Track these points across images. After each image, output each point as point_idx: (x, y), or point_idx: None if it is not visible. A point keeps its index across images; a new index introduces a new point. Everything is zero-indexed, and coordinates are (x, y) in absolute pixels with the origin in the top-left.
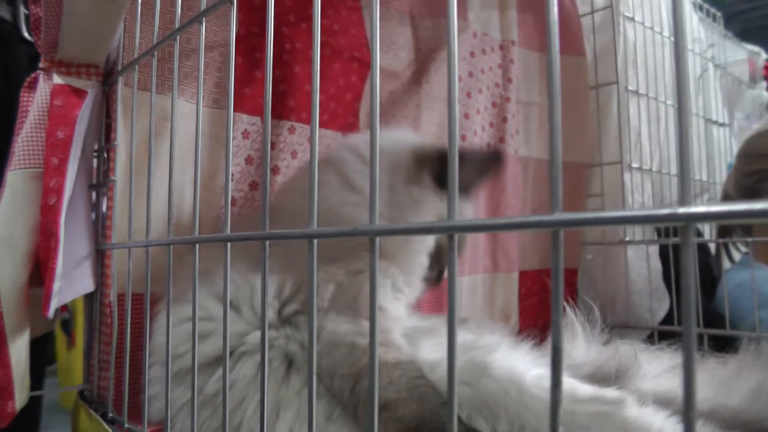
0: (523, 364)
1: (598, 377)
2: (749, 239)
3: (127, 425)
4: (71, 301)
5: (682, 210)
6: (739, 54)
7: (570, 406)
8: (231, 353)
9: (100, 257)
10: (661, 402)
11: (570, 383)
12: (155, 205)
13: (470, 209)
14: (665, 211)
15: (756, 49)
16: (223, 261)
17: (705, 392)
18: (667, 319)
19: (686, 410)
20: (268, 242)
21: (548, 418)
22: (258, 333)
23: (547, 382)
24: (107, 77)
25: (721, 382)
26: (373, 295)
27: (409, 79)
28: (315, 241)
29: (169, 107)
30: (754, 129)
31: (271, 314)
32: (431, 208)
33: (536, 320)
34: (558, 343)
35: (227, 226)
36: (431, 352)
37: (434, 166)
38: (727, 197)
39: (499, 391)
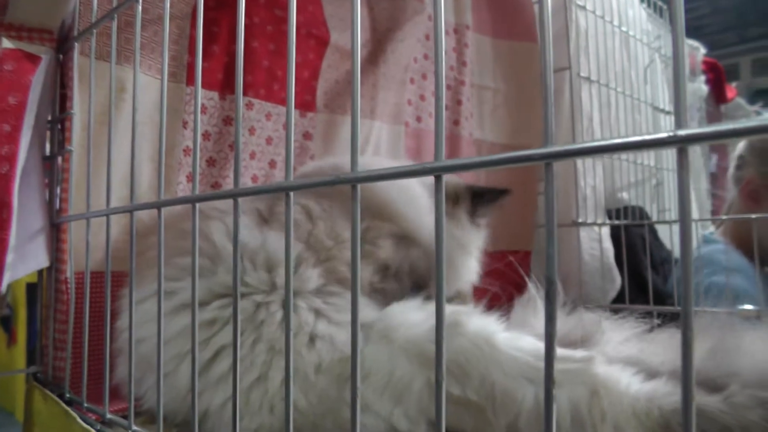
0: (494, 326)
1: (564, 345)
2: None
3: (86, 405)
4: (11, 296)
5: (681, 132)
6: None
7: (538, 365)
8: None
9: (55, 231)
10: (626, 364)
11: (537, 344)
12: (113, 178)
13: (483, 237)
14: (664, 135)
15: (695, 44)
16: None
17: (666, 355)
18: (619, 299)
19: (684, 366)
20: (240, 199)
21: (518, 377)
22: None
23: (518, 343)
24: (62, 44)
25: (678, 345)
26: (356, 242)
27: (365, 59)
28: (291, 194)
29: (126, 78)
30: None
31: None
32: (473, 241)
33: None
34: (552, 275)
35: (195, 187)
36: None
37: (468, 203)
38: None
39: (471, 346)
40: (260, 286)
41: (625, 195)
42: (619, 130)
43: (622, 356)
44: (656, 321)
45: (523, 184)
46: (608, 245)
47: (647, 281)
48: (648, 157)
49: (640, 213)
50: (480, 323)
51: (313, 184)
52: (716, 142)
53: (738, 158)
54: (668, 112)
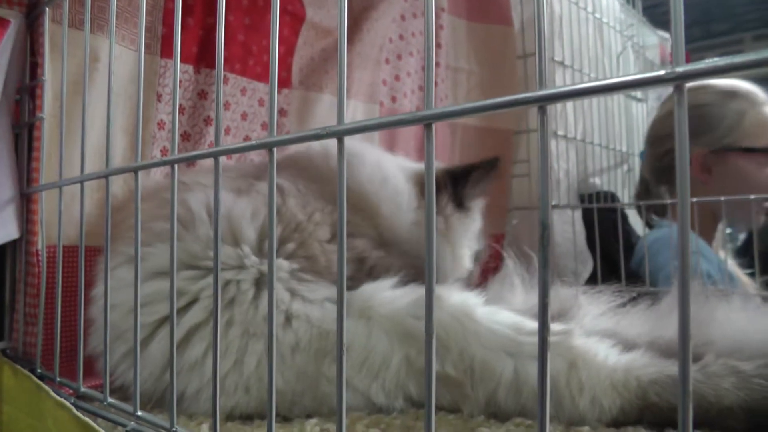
0: (473, 300)
1: None
2: (667, 201)
3: (59, 380)
4: None
5: (679, 69)
6: (653, 39)
7: (517, 337)
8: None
9: (25, 202)
10: (603, 336)
11: (515, 318)
12: (85, 149)
13: (478, 221)
14: (662, 72)
15: (666, 35)
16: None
17: (642, 327)
18: (591, 281)
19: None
20: (221, 158)
21: (497, 350)
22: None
23: (496, 317)
24: (32, 9)
25: (655, 318)
26: (342, 195)
27: None
28: (275, 150)
29: (99, 47)
30: (655, 116)
31: (252, 237)
32: (461, 231)
33: None
34: (545, 219)
35: (174, 148)
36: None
37: (450, 190)
38: (643, 182)
39: (450, 320)
40: (228, 261)
41: (597, 180)
42: (591, 116)
43: (599, 329)
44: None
45: None
46: (580, 228)
47: (618, 263)
48: (620, 143)
49: (612, 198)
50: (460, 297)
51: (297, 139)
52: (715, 77)
53: (669, 151)
54: (640, 100)
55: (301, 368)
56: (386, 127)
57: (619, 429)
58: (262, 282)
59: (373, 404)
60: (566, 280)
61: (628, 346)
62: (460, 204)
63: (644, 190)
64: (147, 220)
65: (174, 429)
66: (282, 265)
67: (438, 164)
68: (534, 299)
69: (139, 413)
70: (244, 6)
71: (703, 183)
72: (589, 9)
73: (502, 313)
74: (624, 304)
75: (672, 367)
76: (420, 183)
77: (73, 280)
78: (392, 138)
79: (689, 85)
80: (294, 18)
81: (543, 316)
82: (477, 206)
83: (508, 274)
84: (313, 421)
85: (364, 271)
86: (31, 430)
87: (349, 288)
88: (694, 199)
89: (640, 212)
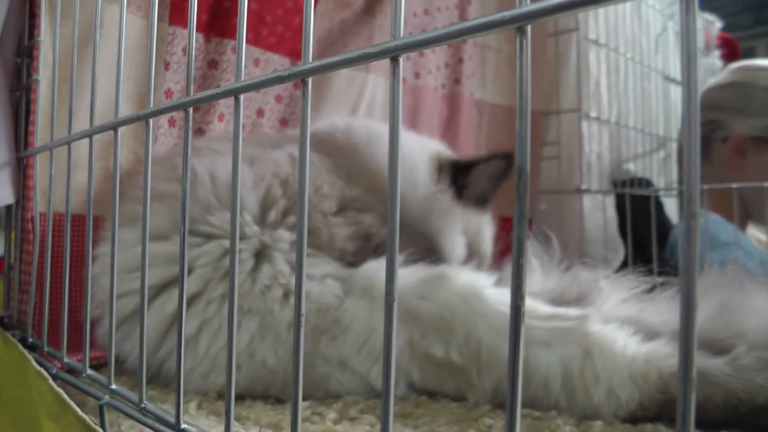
0: (483, 280)
1: (559, 303)
2: (704, 186)
3: (47, 349)
4: None
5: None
6: (697, 22)
7: (529, 322)
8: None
9: (21, 167)
10: (624, 324)
11: (528, 301)
12: (85, 113)
13: (489, 220)
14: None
15: (711, 17)
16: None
17: (668, 314)
18: (622, 269)
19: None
20: (191, 109)
21: (505, 334)
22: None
23: (506, 299)
24: None
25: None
26: (305, 128)
27: (361, 9)
28: (241, 97)
29: (102, 13)
30: (708, 83)
31: (253, 205)
32: (460, 218)
33: None
34: (523, 163)
35: (190, 89)
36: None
37: (450, 176)
38: (681, 148)
39: (457, 299)
40: (227, 228)
41: (632, 166)
42: (627, 98)
43: (621, 316)
44: (659, 280)
45: None
46: (612, 214)
47: (651, 252)
48: (658, 128)
49: (647, 184)
50: (468, 277)
51: (262, 83)
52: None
53: (709, 122)
54: (680, 83)
55: None
56: (351, 63)
57: (636, 426)
58: (262, 253)
59: (372, 388)
60: (588, 262)
61: (650, 334)
62: (460, 195)
63: (681, 160)
64: (152, 182)
65: (143, 404)
66: (283, 236)
67: (450, 153)
68: (553, 282)
69: (113, 387)
70: None
71: (735, 167)
72: None
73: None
74: (650, 290)
75: (698, 359)
76: (437, 161)
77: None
78: (415, 115)
79: (738, 64)
80: None
81: (517, 279)
82: (480, 202)
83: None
84: (306, 404)
85: (369, 248)
86: (19, 400)
87: (353, 265)
88: (705, 186)
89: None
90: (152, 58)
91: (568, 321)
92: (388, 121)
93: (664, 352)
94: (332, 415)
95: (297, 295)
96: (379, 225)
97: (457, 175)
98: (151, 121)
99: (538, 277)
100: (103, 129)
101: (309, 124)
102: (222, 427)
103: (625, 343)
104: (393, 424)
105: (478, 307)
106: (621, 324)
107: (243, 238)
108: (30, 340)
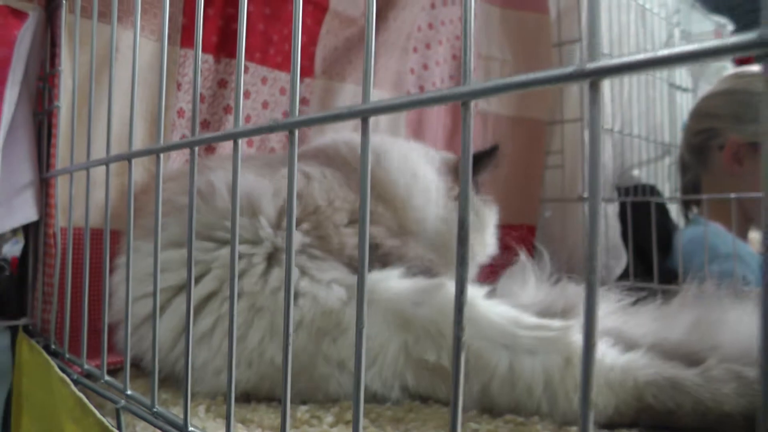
0: (477, 292)
1: (546, 315)
2: (703, 196)
3: (68, 356)
4: None
5: (590, 65)
6: (707, 25)
7: (514, 330)
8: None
9: (44, 186)
10: (606, 335)
11: (514, 312)
12: (104, 136)
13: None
14: (570, 69)
15: (722, 21)
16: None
17: (648, 327)
18: (624, 277)
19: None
20: (197, 148)
21: (494, 341)
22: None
23: (496, 309)
24: (50, 1)
25: (663, 317)
26: (291, 183)
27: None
28: (240, 141)
29: (118, 38)
30: (706, 90)
31: (271, 212)
32: (486, 215)
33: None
34: (466, 158)
35: (195, 130)
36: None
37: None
38: (683, 156)
39: (449, 305)
40: (243, 234)
41: (637, 173)
42: (631, 106)
43: (604, 328)
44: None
45: (529, 158)
46: (614, 222)
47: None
48: (663, 135)
49: (651, 191)
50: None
51: (256, 131)
52: (625, 74)
53: (705, 130)
54: (685, 89)
55: (301, 345)
56: (416, 106)
57: (614, 431)
58: (274, 257)
59: (367, 390)
60: (576, 276)
61: (630, 345)
62: (477, 190)
63: (682, 169)
64: (170, 196)
65: (155, 409)
66: (295, 236)
67: (446, 155)
68: (542, 295)
69: (129, 392)
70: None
71: (732, 174)
72: None
73: (501, 307)
74: (635, 303)
75: (671, 370)
76: (453, 169)
77: (90, 261)
78: (419, 127)
79: (733, 70)
80: (317, 8)
81: (459, 314)
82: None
83: (520, 269)
84: (305, 407)
85: (375, 257)
86: (43, 402)
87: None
88: (704, 197)
89: (686, 206)
90: (162, 103)
91: (552, 331)
92: (386, 141)
93: (640, 363)
94: (329, 418)
95: (285, 321)
96: (386, 236)
97: (474, 172)
98: (162, 155)
99: (532, 289)
100: (118, 159)
101: (296, 169)
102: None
103: (604, 353)
104: (385, 428)
105: (470, 316)
106: (602, 335)
107: (258, 242)
108: (52, 347)
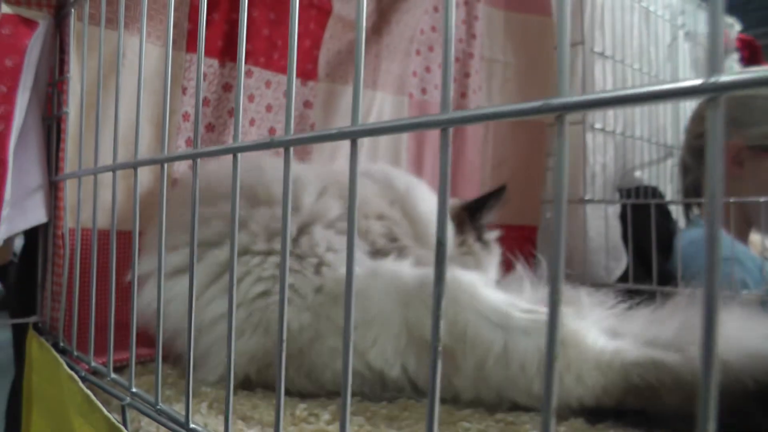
0: (476, 276)
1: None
2: (702, 200)
3: (76, 354)
4: None
5: (712, 79)
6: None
7: (509, 311)
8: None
9: (53, 189)
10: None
11: (511, 297)
12: (110, 139)
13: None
14: (698, 81)
15: (730, 20)
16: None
17: (641, 328)
18: (624, 278)
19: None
20: (199, 159)
21: (490, 320)
22: None
23: (495, 293)
24: (59, 9)
25: (656, 320)
26: (286, 198)
27: (369, 29)
28: (239, 156)
29: (124, 44)
30: None
31: (313, 189)
32: (488, 263)
33: None
34: (442, 237)
35: (197, 142)
36: None
37: (469, 224)
38: (683, 160)
39: (451, 283)
40: (278, 195)
41: (639, 174)
42: (633, 108)
43: (599, 329)
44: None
45: (530, 159)
46: (615, 223)
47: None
48: (667, 136)
49: (653, 192)
50: (470, 276)
51: (255, 146)
52: (753, 90)
53: (704, 134)
54: None
55: (317, 310)
56: (400, 131)
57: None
58: (306, 227)
59: (369, 367)
60: (570, 280)
61: (619, 336)
62: (480, 237)
63: (684, 171)
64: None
65: (158, 406)
66: (332, 204)
67: (453, 201)
68: (538, 297)
69: (134, 390)
70: (269, 2)
71: (733, 177)
72: None
73: (498, 293)
74: (630, 307)
75: (659, 353)
76: (454, 216)
77: (99, 262)
78: (422, 135)
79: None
80: (320, 12)
81: (435, 344)
82: (493, 236)
83: (518, 278)
84: (303, 405)
85: (393, 247)
86: (52, 398)
87: (376, 257)
88: (703, 200)
89: (687, 207)
90: (167, 113)
91: (546, 315)
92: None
93: (629, 347)
94: (326, 416)
95: (280, 323)
96: (406, 237)
97: (473, 217)
98: (165, 165)
99: (527, 292)
100: (124, 167)
101: (291, 186)
102: (229, 426)
103: (596, 338)
104: (380, 425)
105: (469, 290)
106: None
107: (298, 208)
108: (61, 344)
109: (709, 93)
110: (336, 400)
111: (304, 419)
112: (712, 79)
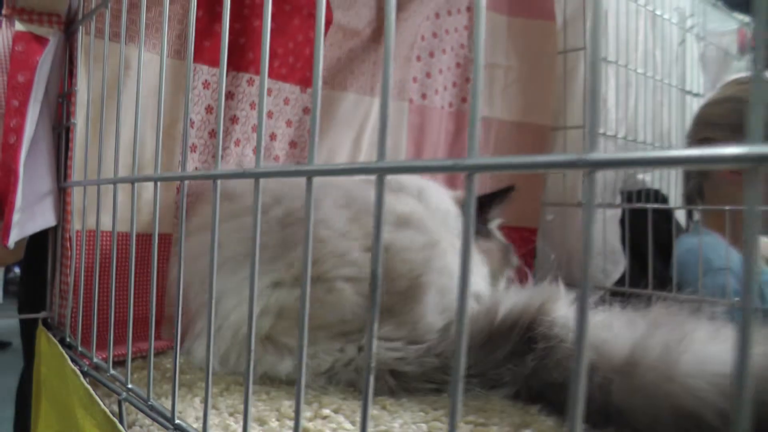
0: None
1: (523, 311)
2: (699, 207)
3: (80, 349)
4: None
5: (585, 157)
6: (729, 24)
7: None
8: None
9: (62, 194)
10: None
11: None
12: (113, 149)
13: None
14: (573, 156)
15: (747, 19)
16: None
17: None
18: (621, 282)
19: None
20: (219, 181)
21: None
22: None
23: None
24: (69, 26)
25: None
26: (308, 222)
27: (368, 37)
28: (261, 181)
29: (130, 56)
30: (707, 97)
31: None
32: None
33: None
34: (376, 269)
35: (218, 164)
36: None
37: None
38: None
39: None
40: None
41: (643, 177)
42: (637, 113)
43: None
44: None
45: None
46: (613, 227)
47: (655, 267)
48: (670, 140)
49: (655, 195)
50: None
51: (278, 173)
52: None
53: (706, 139)
54: (696, 95)
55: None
56: (428, 171)
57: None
58: None
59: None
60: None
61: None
62: (486, 228)
63: (686, 176)
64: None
65: (150, 402)
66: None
67: (454, 193)
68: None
69: (130, 386)
70: (270, 12)
71: (731, 183)
72: (641, 2)
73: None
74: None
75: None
76: (460, 205)
77: (105, 262)
78: (421, 132)
79: (732, 77)
80: None
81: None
82: (495, 224)
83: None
84: (288, 403)
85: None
86: (59, 389)
87: None
88: (699, 207)
89: (690, 214)
90: (159, 135)
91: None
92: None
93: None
94: (308, 413)
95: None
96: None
97: (480, 210)
98: (186, 182)
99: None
100: (124, 180)
101: (312, 217)
102: (217, 420)
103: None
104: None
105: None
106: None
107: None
108: (68, 340)
109: (582, 168)
110: (318, 399)
111: (287, 416)
112: (585, 157)
